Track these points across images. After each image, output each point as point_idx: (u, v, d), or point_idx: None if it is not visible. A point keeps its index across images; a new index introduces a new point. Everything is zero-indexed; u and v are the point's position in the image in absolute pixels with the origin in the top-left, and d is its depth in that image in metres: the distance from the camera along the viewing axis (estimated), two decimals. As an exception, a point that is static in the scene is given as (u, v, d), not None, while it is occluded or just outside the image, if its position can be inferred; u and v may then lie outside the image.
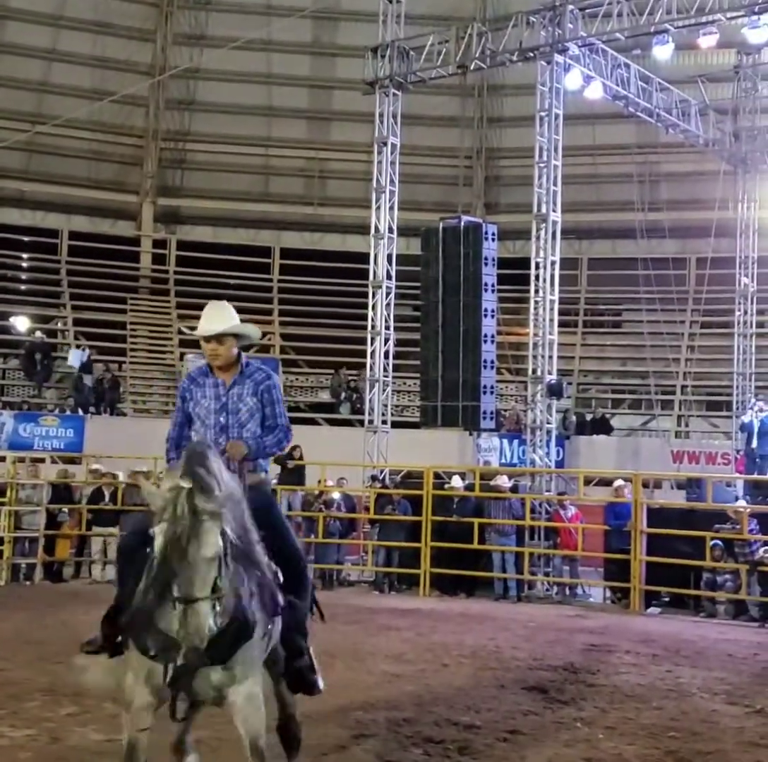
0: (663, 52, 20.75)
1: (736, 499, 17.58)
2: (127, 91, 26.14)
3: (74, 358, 25.40)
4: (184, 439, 5.97)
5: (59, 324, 28.67)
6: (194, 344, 28.57)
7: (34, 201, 30.93)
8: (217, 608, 4.69)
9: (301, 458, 19.07)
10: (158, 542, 4.72)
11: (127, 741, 5.12)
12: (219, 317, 5.98)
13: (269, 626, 5.29)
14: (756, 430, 20.29)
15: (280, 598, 5.37)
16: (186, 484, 4.71)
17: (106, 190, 31.45)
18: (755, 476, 19.30)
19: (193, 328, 6.09)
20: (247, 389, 5.94)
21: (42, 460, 18.47)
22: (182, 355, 27.53)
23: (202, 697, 5.13)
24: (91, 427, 23.38)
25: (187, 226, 32.49)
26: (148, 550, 5.02)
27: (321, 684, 5.86)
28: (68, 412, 24.32)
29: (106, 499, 17.86)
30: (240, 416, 5.93)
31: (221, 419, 5.92)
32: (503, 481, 17.73)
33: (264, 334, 29.91)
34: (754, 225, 26.17)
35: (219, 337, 5.93)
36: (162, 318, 29.53)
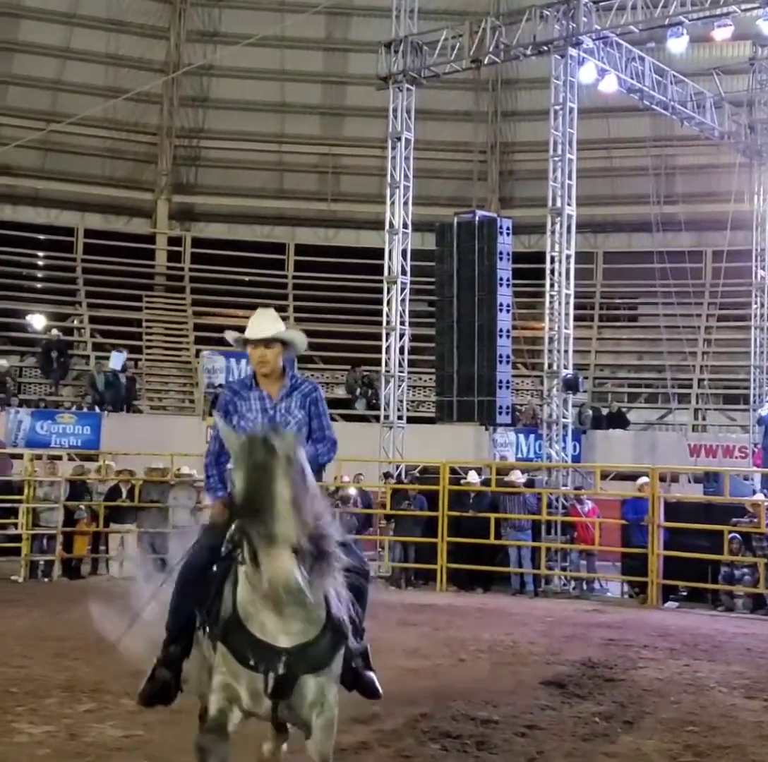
0: (677, 44, 20.67)
1: (754, 492, 17.52)
2: (141, 89, 26.16)
3: (116, 361, 25.41)
4: (225, 454, 5.58)
5: (75, 322, 28.73)
6: (210, 342, 28.74)
7: (49, 199, 30.99)
8: (302, 565, 4.53)
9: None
10: (237, 486, 4.65)
11: (198, 747, 4.93)
12: (267, 322, 5.76)
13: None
14: (773, 423, 20.21)
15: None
16: (261, 434, 4.76)
17: (121, 187, 31.49)
18: (773, 470, 19.24)
19: (241, 335, 5.77)
20: (295, 402, 5.70)
21: (59, 458, 18.50)
22: (198, 352, 27.58)
23: (290, 713, 4.95)
24: (107, 425, 23.44)
25: (202, 223, 32.51)
26: (215, 568, 5.02)
27: (377, 684, 5.61)
28: (85, 410, 24.39)
29: (124, 495, 17.92)
30: (288, 428, 5.61)
31: None
32: (517, 476, 17.73)
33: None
34: (771, 217, 26.06)
35: (267, 343, 5.68)
36: (178, 315, 29.57)
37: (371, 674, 5.54)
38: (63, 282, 29.63)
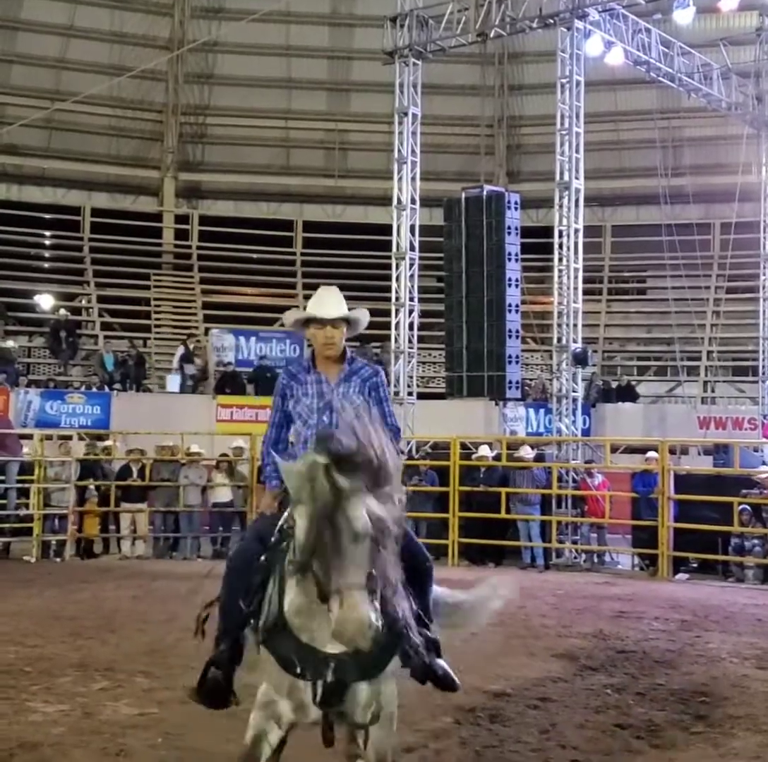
0: (684, 15, 20.57)
1: (764, 463, 17.54)
2: (146, 66, 26.02)
3: (109, 361, 25.41)
4: (282, 441, 5.40)
5: (83, 301, 28.76)
6: (218, 320, 28.63)
7: (54, 178, 30.99)
8: (375, 602, 4.11)
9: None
10: (300, 525, 4.28)
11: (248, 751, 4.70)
12: (335, 301, 5.47)
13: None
14: (783, 394, 20.20)
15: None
16: (322, 460, 4.23)
17: (127, 166, 31.47)
18: (783, 441, 19.25)
19: (306, 313, 5.46)
20: (354, 387, 5.36)
21: (69, 438, 18.56)
22: (207, 330, 27.60)
23: (342, 719, 4.65)
24: (117, 404, 23.50)
25: (209, 200, 32.48)
26: (263, 559, 4.79)
27: (451, 671, 5.18)
28: (94, 390, 24.44)
29: (134, 475, 17.99)
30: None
31: (325, 418, 5.25)
32: (526, 451, 17.75)
33: (288, 308, 29.91)
34: (779, 189, 25.94)
35: (334, 323, 5.37)
36: (186, 293, 29.58)
37: (443, 664, 5.13)
38: (70, 261, 29.63)
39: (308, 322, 5.43)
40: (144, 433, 19.15)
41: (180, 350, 25.93)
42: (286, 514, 4.67)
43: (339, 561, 4.10)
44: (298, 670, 4.49)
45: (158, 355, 27.67)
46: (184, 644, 9.53)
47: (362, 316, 5.55)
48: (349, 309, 5.50)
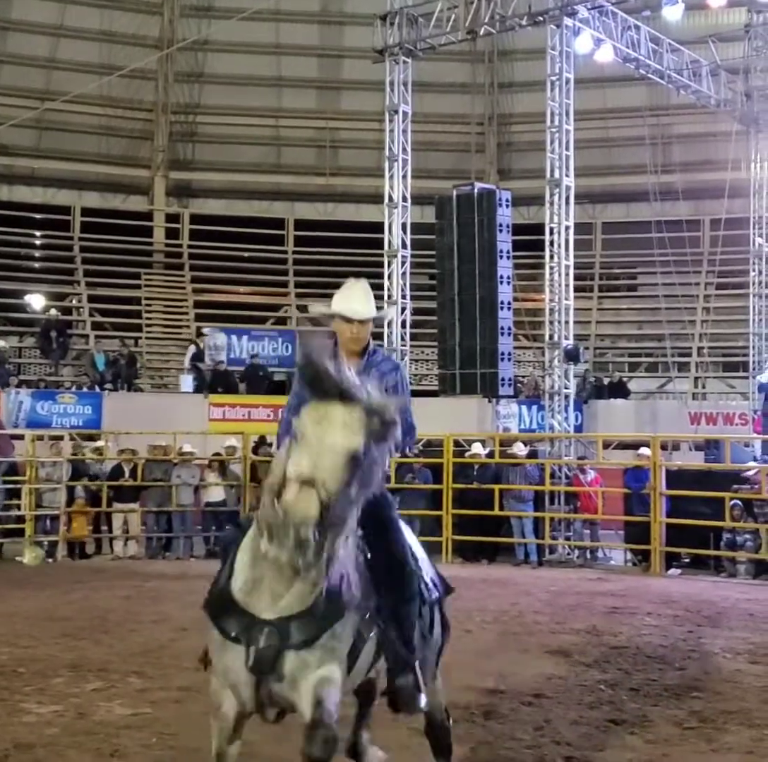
0: (673, 12, 20.65)
1: (754, 459, 17.60)
2: (135, 65, 26.01)
3: (99, 361, 25.37)
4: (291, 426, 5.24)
5: (74, 301, 28.71)
6: (210, 319, 28.60)
7: (45, 178, 30.93)
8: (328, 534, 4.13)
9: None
10: (302, 418, 4.33)
11: (214, 753, 4.61)
12: (366, 299, 5.35)
13: (368, 629, 4.71)
14: (773, 390, 20.24)
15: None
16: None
17: (118, 165, 31.41)
18: (773, 436, 19.30)
19: (333, 310, 5.31)
20: (374, 380, 5.08)
21: (61, 438, 18.53)
22: (199, 329, 27.59)
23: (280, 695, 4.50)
24: (108, 404, 23.45)
25: (200, 199, 32.46)
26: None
27: (423, 703, 5.05)
28: (85, 390, 24.40)
29: (126, 475, 17.95)
30: None
31: None
32: (519, 448, 17.79)
33: (280, 306, 29.99)
34: (768, 185, 26.01)
35: (363, 321, 5.27)
36: (177, 292, 29.55)
37: (418, 695, 5.01)
38: (61, 261, 29.58)
39: (333, 316, 5.35)
40: (136, 433, 19.11)
41: (191, 350, 25.95)
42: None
43: (321, 457, 4.13)
44: (233, 635, 4.45)
45: (150, 355, 27.66)
46: (177, 644, 9.56)
47: (389, 315, 5.51)
48: (377, 307, 5.43)
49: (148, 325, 28.52)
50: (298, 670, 4.40)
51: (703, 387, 27.49)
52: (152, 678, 8.44)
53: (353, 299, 5.35)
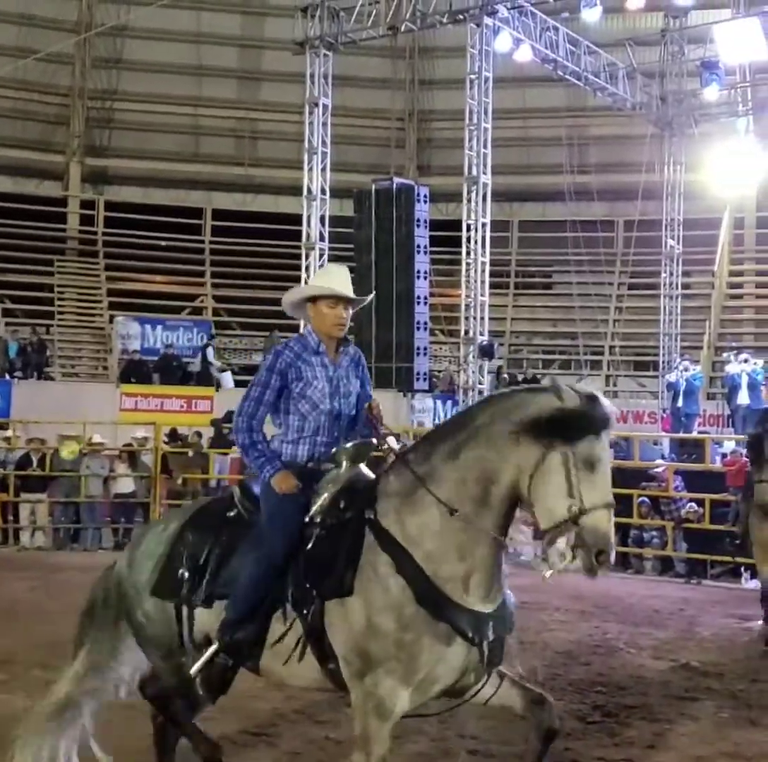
0: (591, 14, 20.91)
1: (662, 457, 17.93)
2: (52, 49, 25.58)
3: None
4: (258, 420, 5.03)
5: (-16, 287, 28.14)
6: (124, 307, 28.08)
7: (-44, 161, 30.26)
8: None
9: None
10: (594, 449, 4.55)
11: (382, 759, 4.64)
12: (347, 281, 5.26)
13: None
14: (682, 389, 20.63)
15: None
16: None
17: (32, 149, 30.79)
18: (681, 435, 19.68)
19: (327, 288, 5.23)
20: (350, 369, 5.21)
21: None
22: (112, 318, 27.23)
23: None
24: (18, 392, 23.01)
25: (116, 186, 32.01)
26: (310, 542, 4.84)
27: None
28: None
29: (34, 464, 17.63)
30: (350, 400, 5.16)
31: (335, 404, 5.08)
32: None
33: (195, 296, 29.75)
34: (680, 188, 26.49)
35: (348, 303, 5.22)
36: (90, 280, 29.13)
37: None
38: (-29, 246, 28.94)
39: (315, 299, 5.19)
40: (45, 422, 18.79)
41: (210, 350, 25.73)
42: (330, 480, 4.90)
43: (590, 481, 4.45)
44: (470, 635, 4.58)
45: (61, 343, 27.22)
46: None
47: (368, 300, 5.57)
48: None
49: (60, 313, 28.06)
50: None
51: (615, 385, 27.94)
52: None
53: (341, 281, 5.22)
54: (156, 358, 25.29)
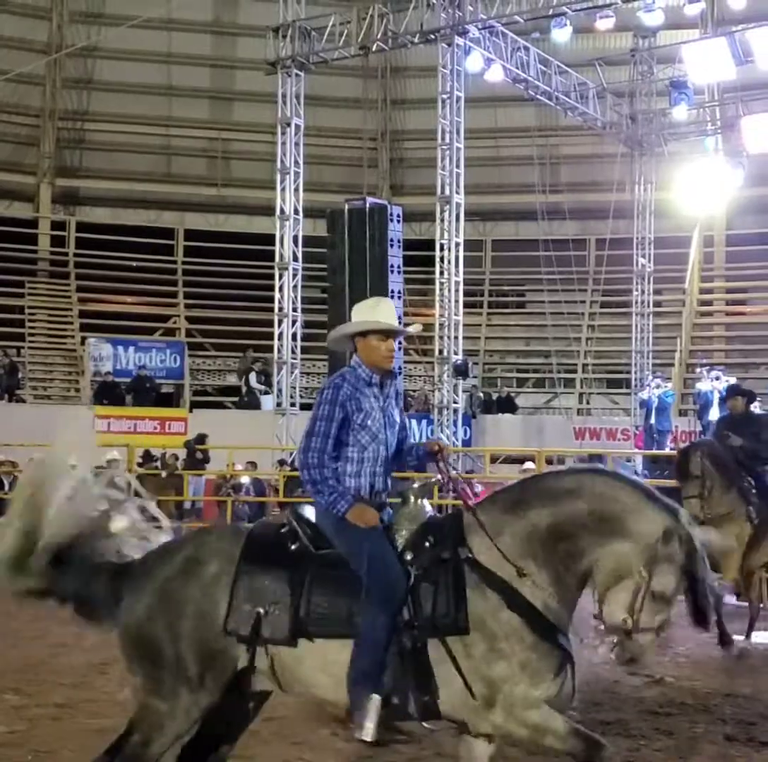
0: (561, 35, 21.07)
1: (636, 473, 17.97)
2: (22, 70, 25.53)
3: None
4: (330, 455, 4.98)
5: (-45, 308, 27.94)
6: (95, 329, 27.93)
7: (-74, 183, 30.10)
8: None
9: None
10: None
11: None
12: (394, 313, 5.27)
13: None
14: (654, 406, 20.75)
15: None
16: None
17: (2, 170, 30.65)
18: (654, 451, 19.77)
19: (378, 322, 5.15)
20: (392, 398, 5.22)
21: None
22: (84, 339, 27.10)
23: None
24: (-11, 414, 22.86)
25: (87, 207, 31.92)
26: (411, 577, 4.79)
27: None
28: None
29: (6, 487, 17.48)
30: (396, 429, 5.17)
31: (389, 435, 5.10)
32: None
33: (168, 317, 29.66)
34: (651, 207, 26.72)
35: (395, 334, 5.22)
36: (62, 302, 28.99)
37: None
38: (-58, 268, 28.76)
39: (365, 333, 5.16)
40: (16, 445, 18.61)
41: (253, 376, 25.44)
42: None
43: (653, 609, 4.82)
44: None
45: (33, 365, 27.06)
46: (56, 660, 9.35)
47: (414, 329, 5.90)
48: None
49: (31, 335, 27.91)
50: None
51: (588, 403, 28.06)
52: (29, 695, 8.22)
53: (386, 315, 5.19)
54: (129, 380, 25.18)
